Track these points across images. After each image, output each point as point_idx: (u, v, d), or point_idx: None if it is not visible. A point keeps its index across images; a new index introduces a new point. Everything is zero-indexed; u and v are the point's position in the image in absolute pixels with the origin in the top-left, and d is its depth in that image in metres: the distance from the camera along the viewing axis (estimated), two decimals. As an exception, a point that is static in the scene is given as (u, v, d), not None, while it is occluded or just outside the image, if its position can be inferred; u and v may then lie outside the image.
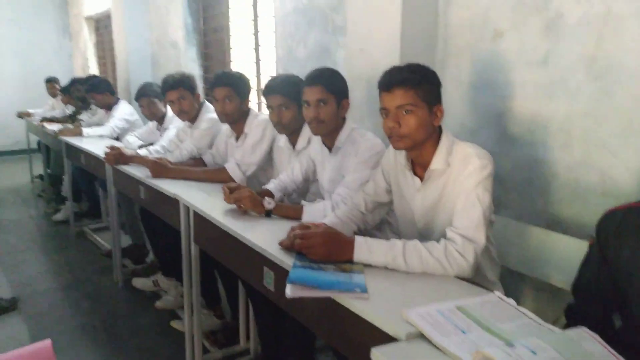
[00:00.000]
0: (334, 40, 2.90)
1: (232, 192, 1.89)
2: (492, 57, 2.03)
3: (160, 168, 2.45)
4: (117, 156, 2.81)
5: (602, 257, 1.20)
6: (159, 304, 2.86)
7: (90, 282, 3.33)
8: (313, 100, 1.84)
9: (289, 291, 1.20)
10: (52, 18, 8.47)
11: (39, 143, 5.95)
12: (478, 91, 2.11)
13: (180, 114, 2.84)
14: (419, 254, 1.30)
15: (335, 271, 1.28)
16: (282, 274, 1.40)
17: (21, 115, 6.11)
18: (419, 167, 1.55)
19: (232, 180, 2.35)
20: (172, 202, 2.18)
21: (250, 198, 1.83)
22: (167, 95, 2.81)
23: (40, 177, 6.13)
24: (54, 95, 6.17)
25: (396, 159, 1.63)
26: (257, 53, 3.96)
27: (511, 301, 1.14)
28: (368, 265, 1.33)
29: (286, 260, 1.38)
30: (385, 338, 1.03)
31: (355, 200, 1.73)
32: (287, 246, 1.43)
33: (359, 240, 1.35)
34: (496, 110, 2.05)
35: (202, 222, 1.96)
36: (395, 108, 1.42)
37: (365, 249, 1.33)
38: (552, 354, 0.88)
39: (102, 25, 7.54)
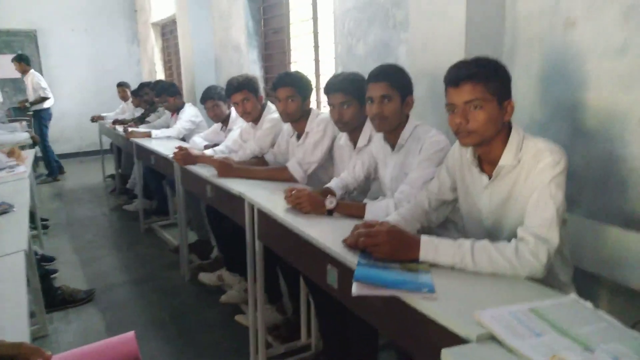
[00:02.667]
0: (395, 36, 2.86)
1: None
2: (564, 48, 1.94)
3: (226, 167, 2.52)
4: (185, 156, 2.92)
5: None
6: (223, 298, 2.95)
7: (159, 276, 3.49)
8: (377, 96, 1.82)
9: (355, 289, 1.19)
10: (122, 26, 8.97)
11: (111, 144, 6.29)
12: (549, 83, 2.02)
13: (244, 115, 2.93)
14: (489, 254, 1.26)
15: (401, 270, 1.27)
16: (345, 272, 1.41)
17: (94, 118, 6.49)
18: (486, 163, 1.50)
19: (294, 178, 2.39)
20: (237, 200, 2.24)
21: (309, 199, 1.84)
22: (231, 97, 2.90)
23: (112, 176, 6.48)
24: (124, 99, 6.50)
25: (462, 156, 1.58)
26: (317, 52, 3.99)
27: (588, 304, 1.08)
28: (434, 265, 1.30)
29: (350, 258, 1.38)
30: (455, 339, 1.01)
31: (418, 198, 1.70)
32: (351, 244, 1.43)
33: (425, 239, 1.33)
34: (569, 102, 1.95)
35: (266, 220, 2.00)
36: (463, 103, 1.38)
37: (432, 248, 1.31)
38: (638, 361, 0.83)
39: (167, 31, 7.86)
